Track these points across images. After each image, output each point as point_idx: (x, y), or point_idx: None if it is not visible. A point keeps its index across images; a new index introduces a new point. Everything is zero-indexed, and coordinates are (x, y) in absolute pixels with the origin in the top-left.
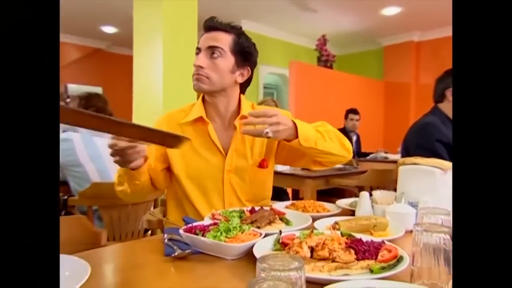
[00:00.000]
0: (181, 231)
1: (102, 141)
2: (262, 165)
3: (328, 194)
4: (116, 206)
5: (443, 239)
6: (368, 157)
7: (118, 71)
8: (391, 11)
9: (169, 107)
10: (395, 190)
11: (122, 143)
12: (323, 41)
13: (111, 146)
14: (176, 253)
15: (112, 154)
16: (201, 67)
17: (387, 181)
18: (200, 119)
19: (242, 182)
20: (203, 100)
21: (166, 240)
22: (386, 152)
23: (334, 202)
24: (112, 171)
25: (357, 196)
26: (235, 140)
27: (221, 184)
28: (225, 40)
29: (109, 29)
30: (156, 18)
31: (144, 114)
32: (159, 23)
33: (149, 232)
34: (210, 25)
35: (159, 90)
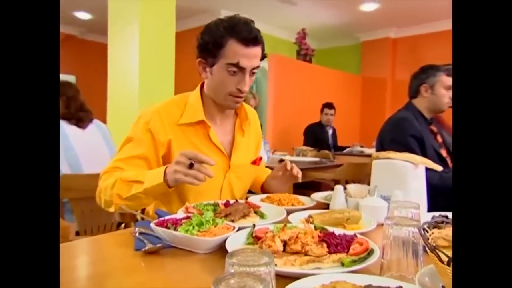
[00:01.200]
0: (152, 224)
1: (73, 132)
2: (255, 162)
3: (305, 187)
4: (88, 198)
5: (412, 232)
6: (344, 151)
7: (92, 59)
8: (369, 7)
9: (146, 97)
10: (369, 183)
11: (205, 157)
12: (302, 34)
13: (193, 157)
14: (146, 248)
15: (183, 167)
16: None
17: (362, 174)
18: (200, 122)
19: (238, 180)
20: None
21: (137, 234)
22: (362, 146)
23: (310, 195)
24: (84, 164)
25: (332, 189)
26: (238, 142)
27: (221, 183)
28: (260, 55)
29: (82, 15)
30: (132, 4)
31: (119, 104)
32: (136, 10)
33: (123, 225)
34: (252, 40)
35: (135, 79)
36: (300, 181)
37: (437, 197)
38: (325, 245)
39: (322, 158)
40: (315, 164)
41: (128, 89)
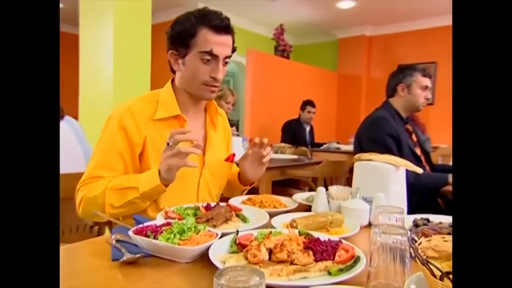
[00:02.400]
0: (130, 232)
1: None
2: (228, 158)
3: (283, 184)
4: (62, 199)
5: (400, 240)
6: (321, 147)
7: (63, 51)
8: (346, 4)
9: (120, 91)
10: (347, 180)
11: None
12: (280, 30)
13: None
14: (124, 258)
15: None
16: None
17: (340, 172)
18: (175, 116)
19: (213, 177)
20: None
21: (113, 242)
22: (338, 143)
23: (289, 193)
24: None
25: (311, 186)
26: (211, 137)
27: (197, 181)
28: (231, 45)
29: None
30: None
31: (92, 99)
32: (109, 0)
33: (96, 227)
34: (223, 27)
35: (109, 73)
36: (267, 159)
37: (412, 195)
38: (311, 253)
39: (300, 155)
40: (293, 162)
41: (101, 83)
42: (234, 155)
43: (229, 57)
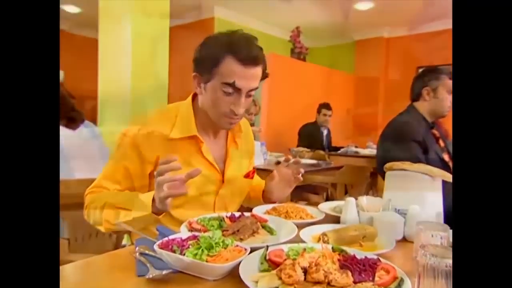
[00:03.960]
0: (156, 247)
1: (63, 133)
2: (248, 175)
3: (300, 189)
4: (79, 205)
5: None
6: (339, 152)
7: (81, 55)
8: (364, 6)
9: (138, 95)
10: (368, 186)
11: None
12: (297, 32)
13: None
14: (151, 275)
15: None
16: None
17: (361, 178)
18: (192, 136)
19: (232, 196)
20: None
21: (137, 255)
22: (356, 147)
23: (306, 198)
24: (75, 168)
25: (328, 191)
26: (233, 156)
27: (214, 199)
28: (259, 76)
29: (71, 9)
30: None
31: (111, 102)
32: (127, 4)
33: (115, 236)
34: (252, 59)
35: (127, 77)
36: (297, 181)
37: None
38: (349, 273)
39: (319, 159)
40: (312, 167)
41: (120, 87)
42: (254, 171)
43: (254, 89)
